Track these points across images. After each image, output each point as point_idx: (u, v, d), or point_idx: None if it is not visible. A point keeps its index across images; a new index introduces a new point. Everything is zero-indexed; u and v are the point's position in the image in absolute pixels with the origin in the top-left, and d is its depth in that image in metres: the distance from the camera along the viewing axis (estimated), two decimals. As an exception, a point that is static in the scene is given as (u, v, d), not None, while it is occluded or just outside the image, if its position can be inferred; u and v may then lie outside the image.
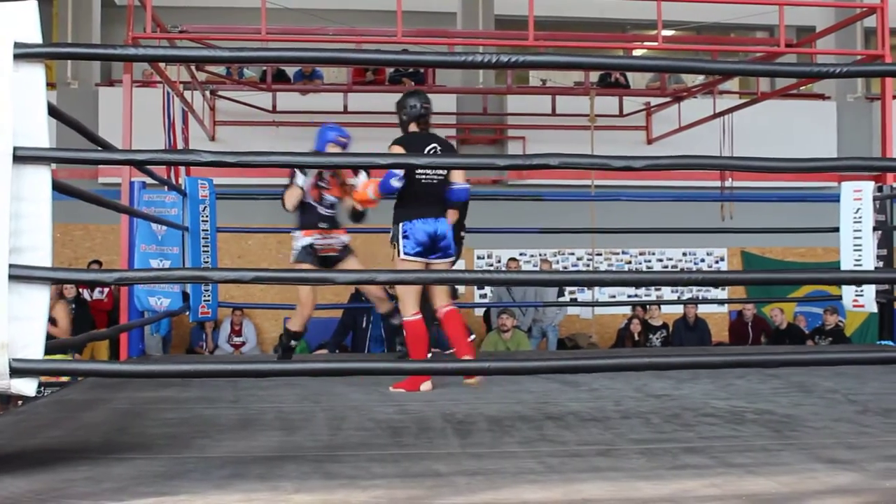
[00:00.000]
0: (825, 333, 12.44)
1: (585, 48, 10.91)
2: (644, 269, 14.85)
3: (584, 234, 11.68)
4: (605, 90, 13.78)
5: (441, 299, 6.25)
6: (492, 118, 14.54)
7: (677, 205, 12.95)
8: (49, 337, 3.25)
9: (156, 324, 7.98)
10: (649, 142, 14.18)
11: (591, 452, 3.77)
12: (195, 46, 9.88)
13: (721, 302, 14.17)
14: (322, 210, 7.17)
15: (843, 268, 8.09)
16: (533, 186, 14.07)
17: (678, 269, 14.75)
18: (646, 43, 13.29)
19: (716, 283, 4.36)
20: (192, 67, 11.15)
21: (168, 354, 11.76)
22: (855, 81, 15.01)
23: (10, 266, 3.13)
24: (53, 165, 3.31)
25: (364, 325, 11.10)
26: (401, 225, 6.16)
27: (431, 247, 6.15)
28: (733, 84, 16.06)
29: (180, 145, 9.54)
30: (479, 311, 13.70)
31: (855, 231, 8.03)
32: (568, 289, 13.85)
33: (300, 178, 6.97)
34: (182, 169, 8.51)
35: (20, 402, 6.19)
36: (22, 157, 3.17)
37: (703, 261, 15.08)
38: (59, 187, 3.49)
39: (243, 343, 13.26)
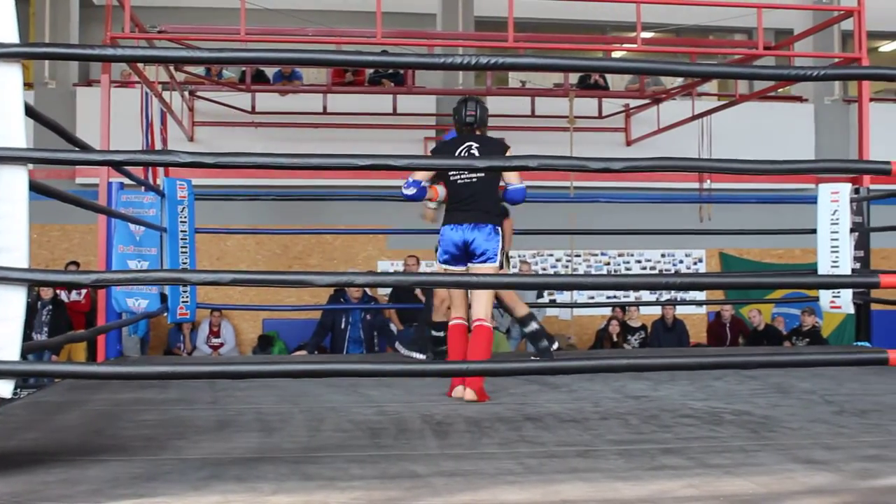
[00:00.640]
0: (803, 334, 12.50)
1: (565, 50, 10.91)
2: (623, 270, 14.89)
3: (562, 236, 11.71)
4: (584, 92, 13.79)
5: (477, 311, 5.86)
6: (471, 119, 14.51)
7: (656, 206, 12.98)
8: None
9: (134, 325, 7.94)
10: (628, 143, 14.21)
11: (569, 453, 3.78)
12: (174, 47, 9.84)
13: (699, 303, 14.21)
14: None
15: (820, 269, 8.12)
16: (512, 188, 14.05)
17: (657, 272, 14.79)
18: (625, 45, 13.27)
19: (694, 287, 4.37)
20: (171, 68, 11.11)
21: (146, 356, 11.71)
22: (832, 84, 15.09)
23: (-14, 267, 3.11)
24: (30, 166, 3.29)
25: (343, 326, 11.08)
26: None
27: (464, 254, 5.91)
28: (712, 86, 16.12)
29: (158, 146, 9.50)
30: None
31: (832, 233, 8.07)
32: (547, 290, 13.88)
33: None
34: (160, 170, 8.47)
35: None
36: (-2, 158, 3.15)
37: (681, 262, 15.13)
38: (36, 188, 3.47)
39: (222, 344, 13.22)
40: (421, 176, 6.01)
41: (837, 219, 8.03)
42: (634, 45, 9.53)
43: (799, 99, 15.49)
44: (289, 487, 3.20)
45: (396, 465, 3.56)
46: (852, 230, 8.11)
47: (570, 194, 11.37)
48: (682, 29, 13.52)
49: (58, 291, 11.93)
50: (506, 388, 5.84)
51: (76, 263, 12.59)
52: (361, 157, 3.71)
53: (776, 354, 6.90)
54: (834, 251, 8.03)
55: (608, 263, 14.93)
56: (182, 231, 7.91)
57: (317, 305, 11.34)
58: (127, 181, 7.47)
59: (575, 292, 13.48)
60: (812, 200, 8.42)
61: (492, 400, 5.37)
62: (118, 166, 6.38)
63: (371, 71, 14.15)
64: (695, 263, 15.17)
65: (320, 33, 11.04)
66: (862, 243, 8.57)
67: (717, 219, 11.89)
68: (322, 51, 4.13)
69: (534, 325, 7.45)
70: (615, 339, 12.67)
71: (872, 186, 8.87)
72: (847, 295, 8.08)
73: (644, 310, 13.60)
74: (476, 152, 5.98)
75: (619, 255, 14.91)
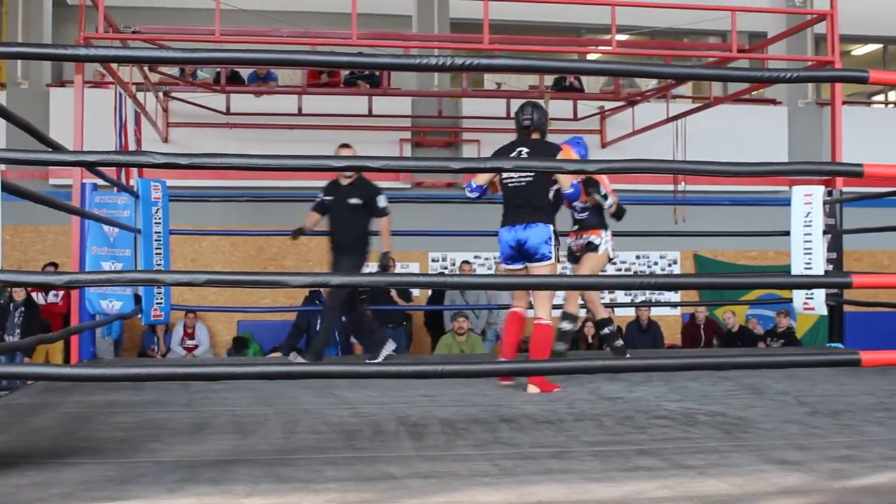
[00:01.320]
0: (777, 336, 12.56)
1: (540, 52, 10.92)
2: (598, 271, 14.89)
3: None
4: (559, 94, 13.83)
5: (537, 310, 6.28)
6: (447, 121, 14.55)
7: (630, 208, 12.95)
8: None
9: (107, 327, 7.90)
10: (603, 145, 14.25)
11: (544, 455, 3.78)
12: (148, 47, 9.79)
13: (674, 305, 14.26)
14: (576, 214, 7.48)
15: (793, 271, 8.18)
16: (488, 190, 14.07)
17: (632, 274, 14.82)
18: (600, 47, 13.32)
19: (668, 287, 4.39)
20: (145, 68, 11.06)
21: (120, 358, 11.65)
22: (806, 87, 15.19)
23: (-42, 268, 3.09)
24: (3, 166, 3.27)
25: (318, 327, 11.04)
26: None
27: (519, 253, 6.27)
28: (686, 89, 16.19)
29: (132, 147, 9.44)
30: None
31: (805, 235, 8.12)
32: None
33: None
34: (134, 171, 8.43)
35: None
36: (-30, 158, 3.12)
37: (656, 263, 15.18)
38: (8, 188, 3.45)
39: (196, 346, 13.15)
40: (482, 180, 6.47)
41: (811, 221, 8.09)
42: (609, 48, 9.57)
43: (772, 102, 15.59)
44: (263, 490, 3.19)
45: (371, 467, 3.55)
46: (825, 232, 8.17)
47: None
48: (656, 31, 13.54)
49: (31, 293, 11.84)
50: (480, 389, 5.85)
51: (54, 265, 12.47)
52: (337, 158, 3.71)
53: (750, 356, 6.93)
54: (807, 253, 8.09)
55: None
56: (156, 232, 7.88)
57: (292, 307, 11.30)
58: (101, 182, 7.43)
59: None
60: (785, 203, 8.48)
61: (466, 402, 5.37)
62: (91, 167, 6.34)
63: (346, 72, 14.14)
64: (669, 265, 15.23)
65: (295, 34, 11.03)
66: (835, 245, 8.63)
67: (692, 221, 11.93)
68: (297, 51, 4.11)
69: (609, 328, 7.82)
70: (590, 340, 12.69)
71: (845, 189, 8.95)
72: (820, 296, 8.14)
73: (619, 311, 13.62)
74: (525, 155, 6.26)
75: (595, 256, 14.91)
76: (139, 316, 7.87)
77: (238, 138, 13.01)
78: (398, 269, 13.02)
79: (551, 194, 6.38)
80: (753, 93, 14.13)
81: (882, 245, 15.01)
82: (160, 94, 12.78)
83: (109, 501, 3.03)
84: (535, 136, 6.48)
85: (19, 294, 11.48)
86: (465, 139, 14.50)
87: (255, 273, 6.76)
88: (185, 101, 13.18)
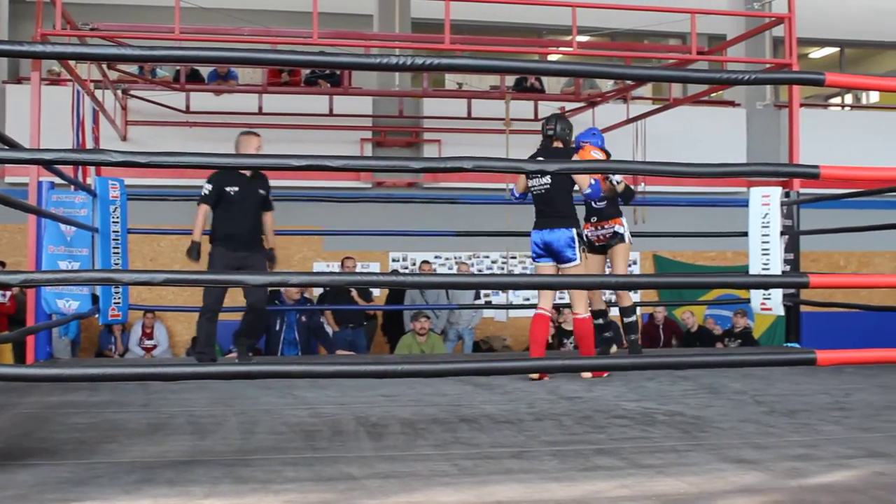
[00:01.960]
0: (734, 336, 12.67)
1: (501, 52, 10.94)
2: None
3: (498, 238, 11.73)
4: (520, 94, 13.85)
5: (577, 307, 6.92)
6: (407, 121, 14.55)
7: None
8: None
9: (64, 326, 7.82)
10: (564, 146, 14.29)
11: (504, 455, 3.79)
12: (106, 44, 9.70)
13: (633, 305, 14.30)
14: (593, 204, 7.47)
15: (751, 271, 8.25)
16: (448, 189, 14.09)
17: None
18: (561, 48, 13.38)
19: (627, 287, 4.41)
20: (104, 66, 10.96)
21: (76, 358, 11.53)
22: (764, 89, 15.32)
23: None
24: (-44, 164, 3.23)
25: (277, 328, 11.02)
26: None
27: (548, 253, 6.78)
28: (646, 90, 16.29)
29: (90, 145, 9.36)
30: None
31: (763, 236, 8.20)
32: (483, 291, 13.92)
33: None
34: (91, 169, 8.35)
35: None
36: (-77, 155, 3.08)
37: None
38: (-38, 186, 3.41)
39: (155, 346, 13.05)
40: (521, 188, 6.96)
41: (768, 222, 8.17)
42: (570, 49, 9.62)
43: (731, 104, 15.71)
44: (222, 491, 3.17)
45: (331, 468, 3.54)
46: (782, 233, 8.25)
47: (506, 196, 11.40)
48: (617, 33, 13.61)
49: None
50: (440, 389, 5.85)
51: (2, 264, 12.31)
52: (297, 157, 3.69)
53: (708, 355, 6.98)
54: (765, 253, 8.17)
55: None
56: (114, 231, 7.82)
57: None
58: (58, 180, 7.36)
59: (511, 293, 13.52)
60: (744, 204, 8.55)
61: (426, 402, 5.37)
62: (48, 165, 6.25)
63: (307, 71, 14.10)
64: (629, 265, 15.28)
65: (256, 33, 10.97)
66: (792, 246, 8.71)
67: (651, 221, 11.98)
68: (257, 50, 4.09)
69: (610, 333, 7.99)
70: (550, 340, 12.72)
71: (802, 190, 9.04)
72: (777, 297, 8.21)
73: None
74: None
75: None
76: (96, 316, 7.80)
77: (197, 137, 12.91)
78: (359, 269, 12.99)
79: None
80: (712, 94, 14.24)
81: (838, 246, 15.19)
82: (119, 92, 12.67)
83: (65, 503, 3.00)
84: (557, 144, 6.90)
85: (-30, 293, 11.32)
86: (426, 139, 14.50)
87: (213, 272, 6.74)
88: (144, 99, 13.07)
